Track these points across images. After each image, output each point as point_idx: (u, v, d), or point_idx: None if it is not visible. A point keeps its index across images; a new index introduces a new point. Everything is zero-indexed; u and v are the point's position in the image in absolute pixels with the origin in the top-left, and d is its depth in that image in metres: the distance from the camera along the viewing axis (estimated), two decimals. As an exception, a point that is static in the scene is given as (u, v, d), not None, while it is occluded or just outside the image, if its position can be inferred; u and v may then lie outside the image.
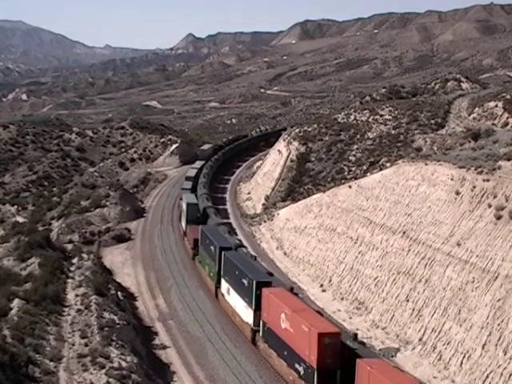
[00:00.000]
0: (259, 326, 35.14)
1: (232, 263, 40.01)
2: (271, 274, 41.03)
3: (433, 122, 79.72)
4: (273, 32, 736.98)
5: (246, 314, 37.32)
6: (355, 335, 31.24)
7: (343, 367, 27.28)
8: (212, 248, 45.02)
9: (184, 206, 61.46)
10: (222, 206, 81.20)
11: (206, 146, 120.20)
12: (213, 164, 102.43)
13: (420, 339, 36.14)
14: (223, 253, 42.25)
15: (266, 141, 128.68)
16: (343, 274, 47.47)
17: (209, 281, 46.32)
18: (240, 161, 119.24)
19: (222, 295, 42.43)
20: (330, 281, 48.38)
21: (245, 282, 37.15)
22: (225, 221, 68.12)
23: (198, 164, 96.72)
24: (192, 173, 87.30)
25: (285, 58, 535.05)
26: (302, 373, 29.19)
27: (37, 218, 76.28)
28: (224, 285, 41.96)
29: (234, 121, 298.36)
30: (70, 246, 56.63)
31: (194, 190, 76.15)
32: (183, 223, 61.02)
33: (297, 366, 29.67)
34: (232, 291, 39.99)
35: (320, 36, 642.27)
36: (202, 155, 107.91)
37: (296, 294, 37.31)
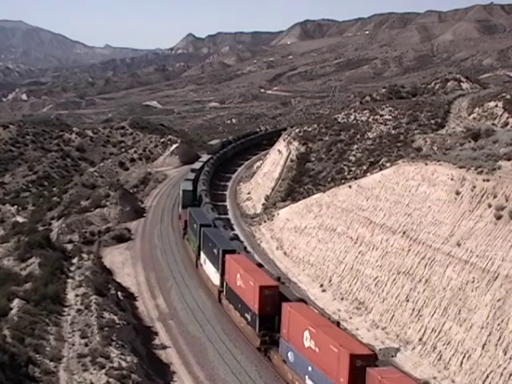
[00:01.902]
0: (223, 286, 41.95)
1: (208, 237, 46.38)
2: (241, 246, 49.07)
3: (433, 121, 79.64)
4: (273, 32, 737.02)
5: (215, 278, 44.00)
6: (278, 278, 39.16)
7: (280, 313, 33.07)
8: (195, 226, 51.42)
9: (180, 193, 69.86)
10: (221, 192, 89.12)
11: (214, 141, 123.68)
12: (219, 157, 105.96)
13: (420, 339, 36.14)
14: (202, 229, 48.68)
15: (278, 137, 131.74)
16: (343, 274, 47.47)
17: (192, 254, 53.26)
18: (249, 154, 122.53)
19: (201, 265, 49.24)
20: (330, 281, 48.39)
21: (215, 251, 43.69)
22: (219, 203, 77.50)
23: (205, 158, 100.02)
24: (197, 165, 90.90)
25: (290, 57, 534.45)
26: (249, 319, 36.11)
27: (37, 218, 76.28)
28: (202, 256, 48.67)
29: (233, 121, 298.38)
30: (70, 246, 56.54)
31: (196, 180, 78.19)
32: (180, 208, 67.90)
33: (246, 314, 36.70)
34: (207, 261, 46.68)
35: (320, 36, 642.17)
36: (211, 150, 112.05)
37: (257, 262, 44.21)
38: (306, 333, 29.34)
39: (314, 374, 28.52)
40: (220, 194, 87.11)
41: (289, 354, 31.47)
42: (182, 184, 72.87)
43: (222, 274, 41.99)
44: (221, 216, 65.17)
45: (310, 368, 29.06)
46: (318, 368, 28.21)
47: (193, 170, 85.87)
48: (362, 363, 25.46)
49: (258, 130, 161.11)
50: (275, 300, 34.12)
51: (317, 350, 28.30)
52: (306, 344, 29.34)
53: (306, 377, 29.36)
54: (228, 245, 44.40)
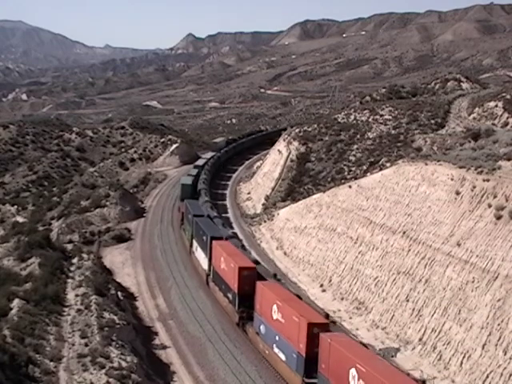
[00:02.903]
0: (210, 270, 45.54)
1: (199, 226, 50.01)
2: (235, 235, 53.92)
3: (433, 121, 79.59)
4: (273, 32, 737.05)
5: (204, 263, 47.76)
6: (274, 275, 41.60)
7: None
8: (189, 216, 55.29)
9: (180, 186, 74.49)
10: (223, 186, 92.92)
11: (218, 139, 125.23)
12: (222, 155, 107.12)
13: (420, 339, 36.14)
14: (194, 219, 52.59)
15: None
16: (343, 274, 47.47)
17: (187, 242, 57.03)
18: (251, 153, 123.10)
19: (193, 252, 53.13)
20: (330, 281, 48.39)
21: (204, 238, 47.32)
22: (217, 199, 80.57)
23: (209, 155, 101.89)
24: (201, 162, 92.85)
25: (293, 56, 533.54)
26: (230, 298, 39.75)
27: (37, 218, 76.21)
28: (194, 244, 52.43)
29: (233, 121, 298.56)
30: (70, 246, 56.49)
31: (197, 177, 79.41)
32: (179, 201, 71.95)
33: (228, 294, 40.28)
34: (198, 248, 50.25)
35: (320, 36, 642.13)
36: (215, 147, 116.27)
37: (243, 246, 48.32)
38: (275, 306, 33.09)
39: (280, 342, 32.35)
40: (220, 194, 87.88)
41: (261, 326, 35.14)
42: (182, 178, 77.96)
43: (210, 259, 45.54)
44: (221, 215, 66.44)
45: (277, 337, 32.77)
46: (283, 336, 31.91)
47: (195, 167, 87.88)
48: (319, 330, 28.64)
49: (260, 129, 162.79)
50: (252, 280, 37.23)
51: (283, 321, 32.03)
52: (275, 316, 33.08)
53: (274, 345, 33.14)
54: (216, 232, 47.90)
